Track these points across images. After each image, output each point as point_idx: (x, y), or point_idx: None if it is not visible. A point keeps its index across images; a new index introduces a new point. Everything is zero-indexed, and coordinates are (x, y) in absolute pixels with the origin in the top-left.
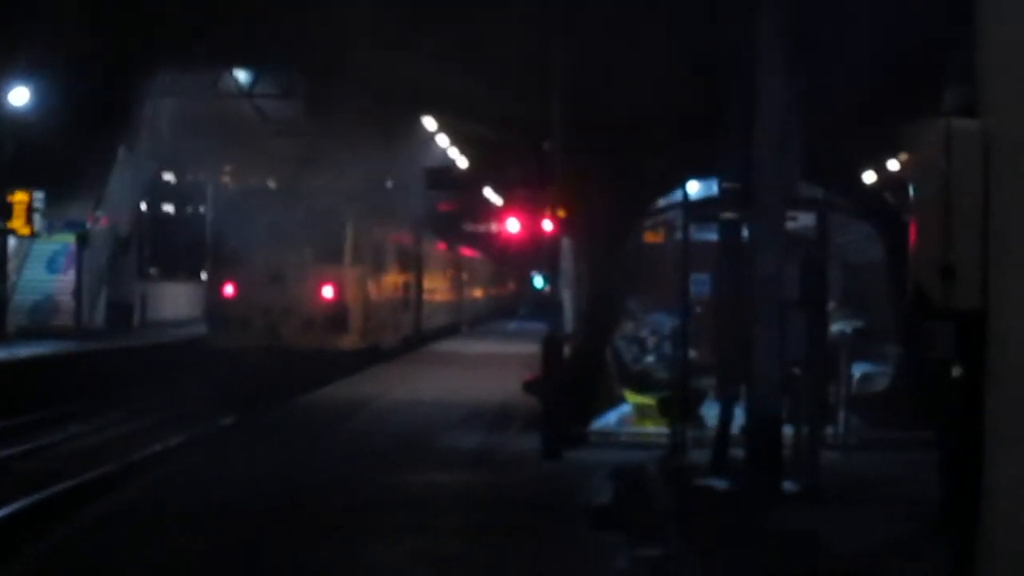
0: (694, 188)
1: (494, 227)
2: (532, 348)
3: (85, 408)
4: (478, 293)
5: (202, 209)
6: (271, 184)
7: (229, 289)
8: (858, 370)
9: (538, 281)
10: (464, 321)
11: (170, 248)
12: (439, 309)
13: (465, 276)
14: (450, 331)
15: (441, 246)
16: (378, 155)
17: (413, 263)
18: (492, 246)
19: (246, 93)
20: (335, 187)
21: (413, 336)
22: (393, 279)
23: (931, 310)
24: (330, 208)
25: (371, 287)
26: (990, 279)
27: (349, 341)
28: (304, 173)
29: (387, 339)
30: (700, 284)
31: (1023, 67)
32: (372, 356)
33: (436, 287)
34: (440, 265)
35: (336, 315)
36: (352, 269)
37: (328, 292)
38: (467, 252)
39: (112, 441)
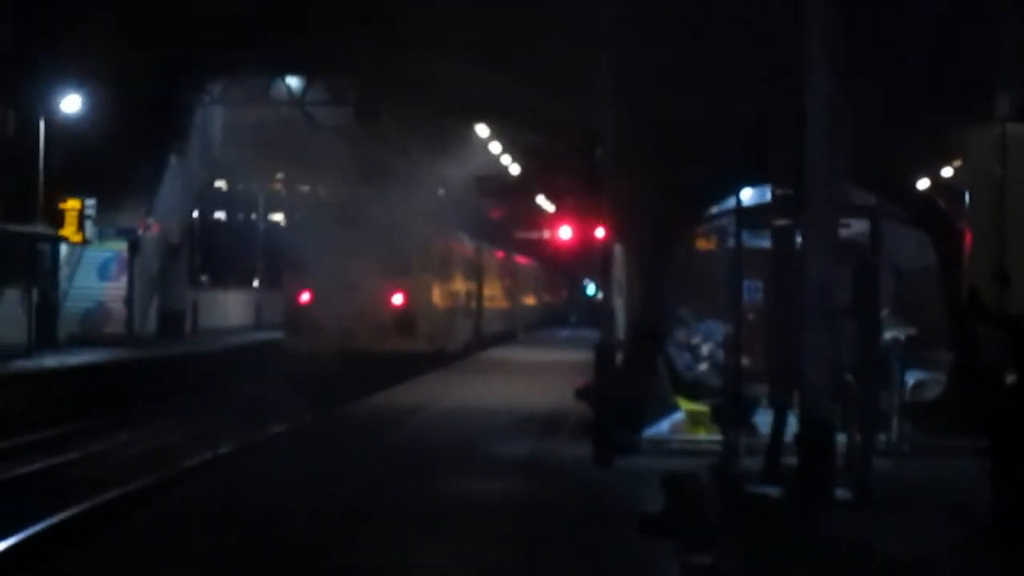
0: (747, 195)
1: (546, 234)
2: (584, 355)
3: (140, 414)
4: (532, 300)
5: (254, 216)
6: (343, 197)
7: (306, 296)
8: (911, 377)
9: (590, 288)
10: (519, 328)
11: (221, 255)
12: (497, 316)
13: (520, 284)
14: (507, 337)
15: (499, 254)
16: (432, 163)
17: (474, 272)
18: (544, 253)
19: (297, 100)
20: (403, 200)
21: (473, 341)
22: (456, 287)
23: (985, 316)
24: (399, 220)
25: (437, 295)
26: None
27: (417, 345)
28: (372, 186)
29: (451, 344)
30: (752, 291)
31: None
32: (438, 360)
33: (494, 295)
34: (498, 273)
35: (405, 320)
36: (420, 277)
37: (398, 299)
38: (521, 260)
39: (168, 446)
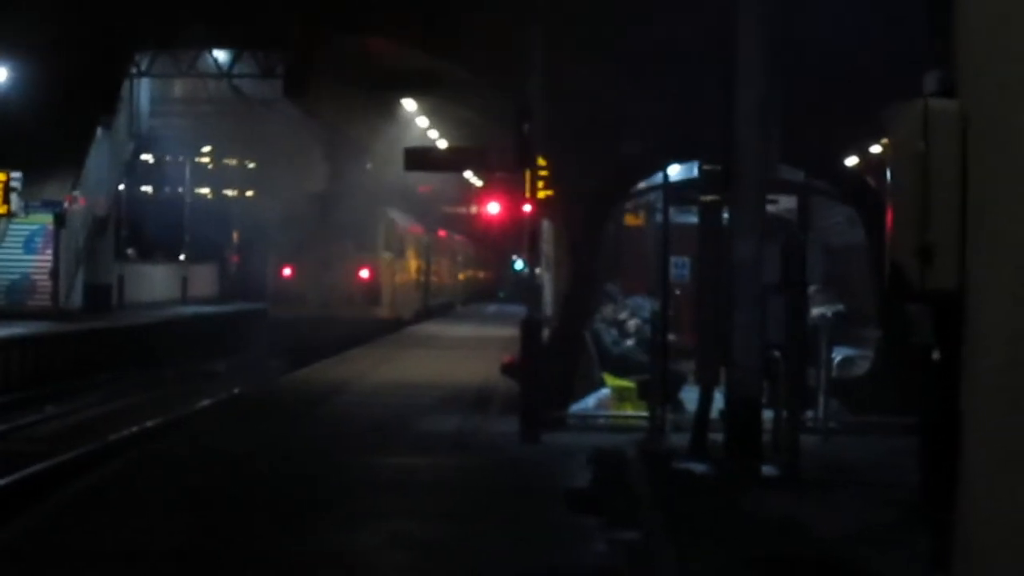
0: (674, 170)
1: (474, 209)
2: (511, 331)
3: (67, 388)
4: (468, 275)
5: (181, 190)
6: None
7: (287, 272)
8: (839, 354)
9: (518, 264)
10: (458, 300)
11: (148, 229)
12: (440, 289)
13: (459, 261)
14: (449, 307)
15: (442, 234)
16: (360, 136)
17: (423, 251)
18: (472, 228)
19: (225, 73)
20: (369, 190)
21: (422, 311)
22: (411, 264)
23: (908, 292)
24: (365, 207)
25: (397, 271)
26: (967, 260)
27: (381, 312)
28: (300, 159)
29: (407, 312)
30: (680, 267)
31: (1000, 48)
32: (395, 326)
33: (439, 271)
34: (441, 251)
35: (372, 292)
36: (383, 256)
37: (365, 274)
38: (459, 238)
39: (96, 420)
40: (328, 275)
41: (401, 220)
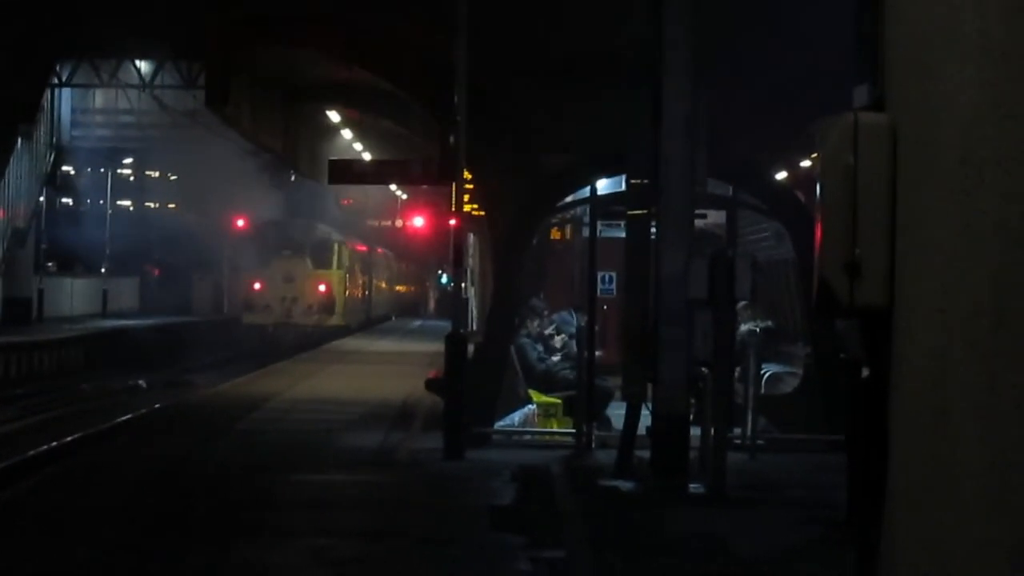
0: (602, 184)
1: (398, 222)
2: (436, 346)
3: None
4: (403, 288)
5: (102, 202)
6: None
7: (257, 285)
8: (767, 371)
9: (443, 278)
10: (393, 312)
11: (68, 242)
12: (381, 301)
13: (393, 275)
14: (386, 318)
15: (380, 251)
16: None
17: (367, 267)
18: (396, 241)
19: (147, 84)
20: (323, 215)
21: (367, 320)
22: (357, 279)
23: (836, 308)
24: (322, 230)
25: (348, 285)
26: (896, 276)
27: (335, 321)
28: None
29: (355, 321)
30: (607, 282)
31: (929, 60)
32: (346, 332)
33: (378, 285)
34: (379, 267)
35: (327, 303)
36: (337, 272)
37: (323, 288)
38: (385, 253)
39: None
40: (290, 288)
41: (349, 240)
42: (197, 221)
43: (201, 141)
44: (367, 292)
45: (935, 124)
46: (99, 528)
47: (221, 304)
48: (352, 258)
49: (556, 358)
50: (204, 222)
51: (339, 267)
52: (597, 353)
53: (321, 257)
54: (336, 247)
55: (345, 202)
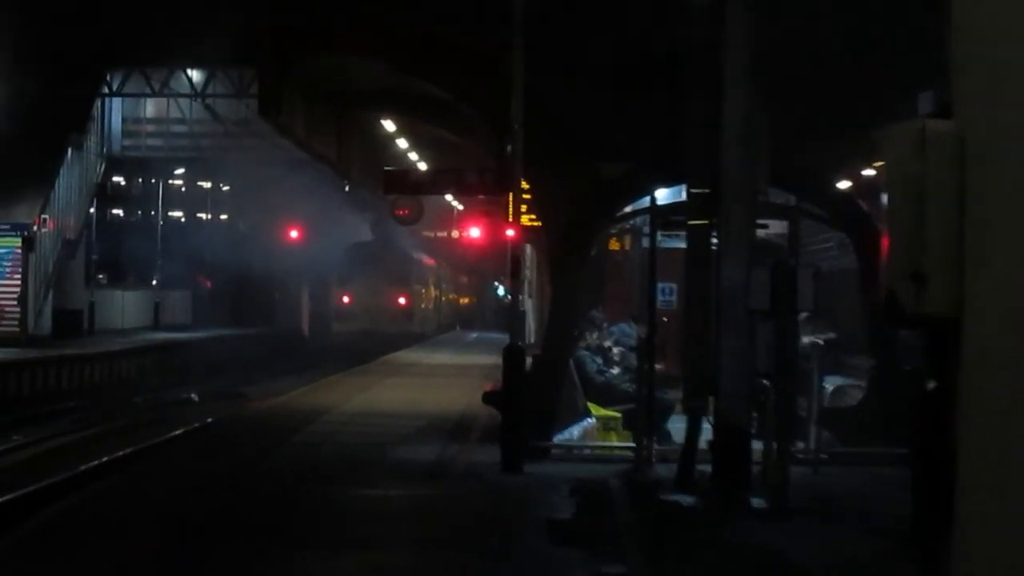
0: (662, 194)
1: (455, 233)
2: (493, 359)
3: (41, 414)
4: (464, 300)
5: (153, 213)
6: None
7: (346, 299)
8: (830, 383)
9: (500, 290)
10: (457, 322)
11: (120, 253)
12: (446, 311)
13: (456, 287)
14: (452, 326)
15: (433, 262)
16: (338, 158)
17: (436, 280)
18: (452, 252)
19: (198, 93)
20: (403, 238)
21: (436, 329)
22: (430, 292)
23: (902, 318)
24: (401, 249)
25: (422, 297)
26: (964, 286)
27: (413, 328)
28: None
29: (428, 328)
30: (667, 293)
31: (997, 66)
32: (418, 337)
33: (445, 296)
34: (446, 279)
35: (406, 313)
36: (413, 287)
37: (402, 300)
38: (449, 267)
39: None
40: (375, 301)
41: (422, 257)
42: (251, 232)
43: (254, 150)
44: (437, 304)
45: (1004, 131)
46: (155, 538)
47: (281, 317)
48: (425, 273)
49: (615, 371)
50: (258, 233)
51: (416, 282)
52: (657, 365)
53: (400, 273)
54: (413, 264)
55: (400, 212)
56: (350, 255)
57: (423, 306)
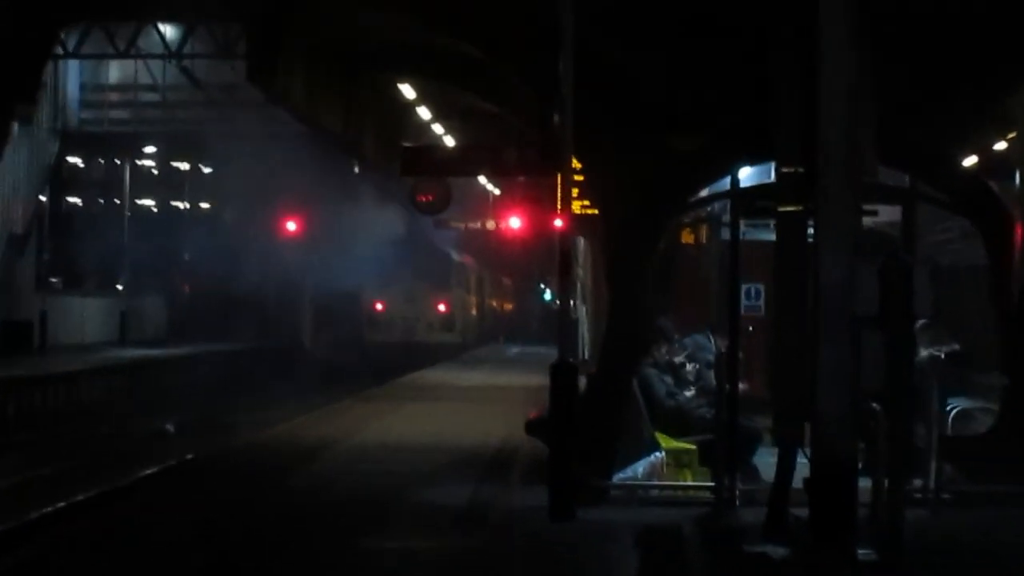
0: (746, 174)
1: (490, 224)
2: (538, 379)
3: None
4: (508, 305)
5: (119, 202)
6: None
7: (379, 306)
8: (953, 406)
9: (546, 293)
10: (502, 331)
11: (78, 251)
12: (489, 316)
13: (501, 291)
14: (494, 336)
15: (470, 260)
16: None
17: (478, 285)
18: (487, 247)
19: (172, 54)
20: (441, 239)
21: (478, 335)
22: (472, 297)
23: None
24: (441, 251)
25: (465, 303)
26: None
27: (455, 337)
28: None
29: (470, 336)
30: (753, 297)
31: None
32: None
33: (488, 301)
34: (488, 284)
35: (448, 321)
36: (455, 291)
37: (442, 307)
38: (496, 272)
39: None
40: (412, 308)
41: (465, 260)
42: (240, 225)
43: (243, 123)
44: (479, 310)
45: None
46: None
47: (279, 330)
48: (467, 277)
49: (689, 393)
50: (250, 226)
51: (458, 287)
52: (741, 386)
53: (440, 277)
54: (454, 268)
55: (422, 198)
56: (381, 254)
57: (466, 312)
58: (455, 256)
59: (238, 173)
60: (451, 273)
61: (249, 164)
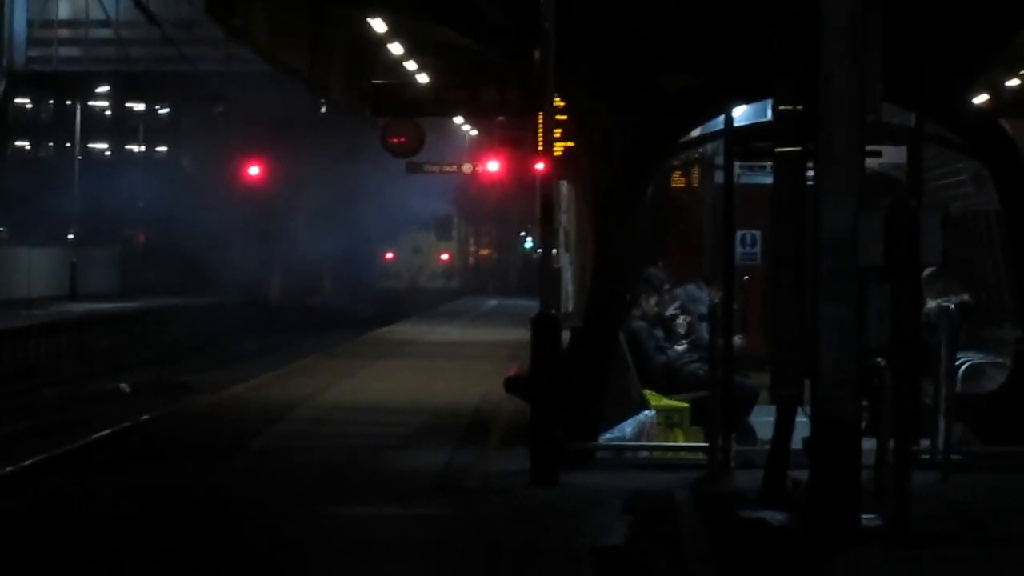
0: (741, 112)
1: (467, 167)
2: (518, 333)
3: None
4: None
5: (69, 146)
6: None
7: (389, 255)
8: (964, 361)
9: (527, 242)
10: (489, 282)
11: (24, 199)
12: (475, 269)
13: (482, 236)
14: (485, 284)
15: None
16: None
17: (464, 234)
18: (465, 193)
19: None
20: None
21: (474, 284)
22: (466, 248)
23: None
24: (444, 207)
25: (462, 253)
26: None
27: (455, 285)
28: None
29: (466, 285)
30: (748, 244)
31: None
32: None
33: (476, 251)
34: (473, 234)
35: (449, 270)
36: (455, 243)
37: (445, 257)
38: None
39: None
40: (417, 258)
41: (462, 215)
42: (199, 170)
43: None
44: (474, 260)
45: None
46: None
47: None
48: (463, 228)
49: (681, 347)
50: (207, 171)
51: (457, 239)
52: (736, 340)
53: (443, 230)
54: (455, 221)
55: (394, 140)
56: (391, 209)
57: (464, 262)
58: (455, 212)
59: (196, 115)
60: (453, 226)
61: (208, 105)
